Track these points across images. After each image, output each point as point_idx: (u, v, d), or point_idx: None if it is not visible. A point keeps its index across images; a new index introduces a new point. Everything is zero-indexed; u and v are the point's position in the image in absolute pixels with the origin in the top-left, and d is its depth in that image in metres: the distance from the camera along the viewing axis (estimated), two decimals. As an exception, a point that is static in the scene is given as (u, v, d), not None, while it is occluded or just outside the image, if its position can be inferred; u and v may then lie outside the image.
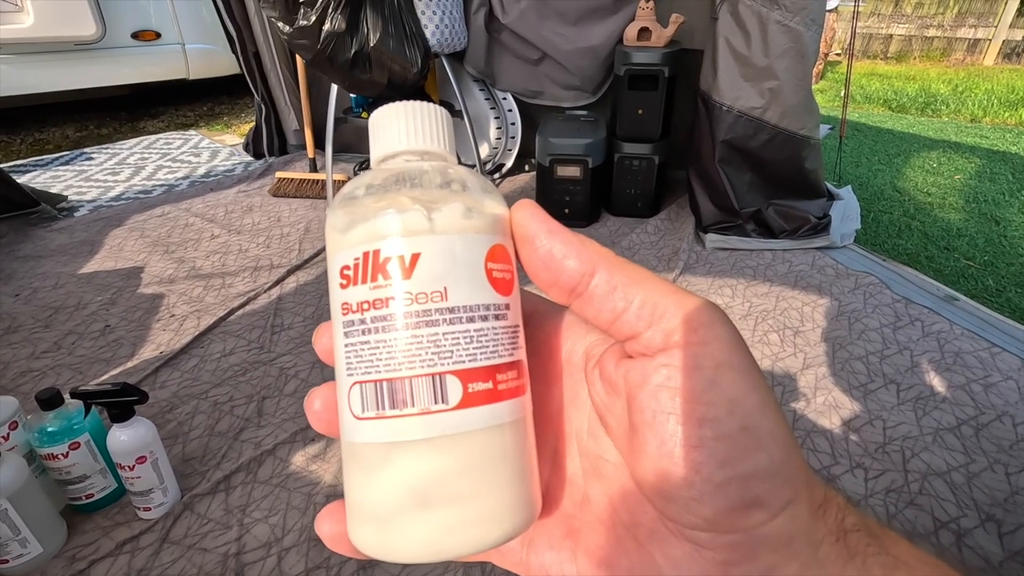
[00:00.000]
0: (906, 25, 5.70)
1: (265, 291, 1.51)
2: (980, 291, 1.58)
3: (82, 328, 1.36)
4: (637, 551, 0.18)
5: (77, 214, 2.02)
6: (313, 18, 1.57)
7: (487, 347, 0.18)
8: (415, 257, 0.17)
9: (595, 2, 1.88)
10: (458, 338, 0.17)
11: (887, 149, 2.81)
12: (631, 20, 1.84)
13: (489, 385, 0.17)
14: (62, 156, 2.66)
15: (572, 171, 1.82)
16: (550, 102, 2.14)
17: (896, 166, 2.57)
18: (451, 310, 0.17)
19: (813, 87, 4.39)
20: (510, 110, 2.22)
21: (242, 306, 1.44)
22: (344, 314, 0.18)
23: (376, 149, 0.20)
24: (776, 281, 1.56)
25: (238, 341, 1.31)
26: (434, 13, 1.75)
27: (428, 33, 1.74)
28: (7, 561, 0.77)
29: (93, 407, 0.85)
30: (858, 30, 5.87)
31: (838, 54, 5.95)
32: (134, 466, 0.82)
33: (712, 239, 1.74)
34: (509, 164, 2.27)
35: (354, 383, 0.17)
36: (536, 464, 0.19)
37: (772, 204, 1.74)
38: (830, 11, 4.13)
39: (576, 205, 1.88)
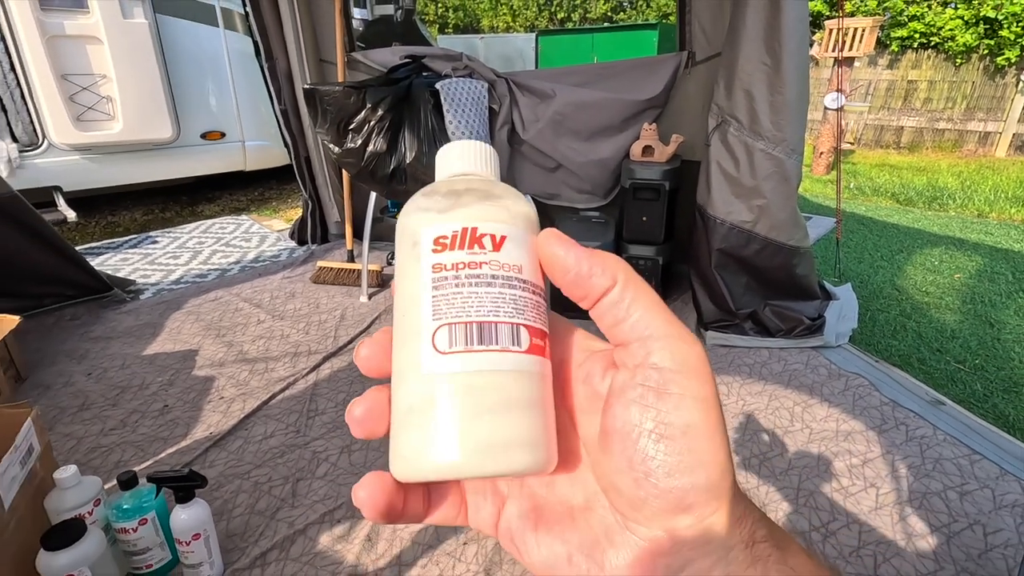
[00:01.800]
0: (916, 118, 5.95)
1: (303, 376, 1.69)
2: (967, 395, 1.66)
3: (144, 407, 1.55)
4: (587, 531, 0.22)
5: (143, 297, 2.27)
6: (359, 141, 1.85)
7: (541, 315, 0.22)
8: (503, 238, 0.22)
9: (604, 123, 2.13)
10: (528, 302, 0.22)
11: (891, 244, 2.93)
12: (637, 138, 2.08)
13: (541, 341, 0.22)
14: (130, 240, 2.98)
15: (582, 270, 2.00)
16: (565, 203, 2.37)
17: (898, 263, 2.69)
18: (523, 281, 0.22)
19: (825, 178, 4.54)
20: (529, 209, 2.45)
21: (282, 391, 1.61)
22: (436, 271, 0.21)
23: (445, 170, 0.25)
24: (770, 380, 1.68)
25: (277, 424, 1.47)
26: (463, 133, 2.01)
27: (457, 150, 2.00)
28: (80, 622, 0.91)
29: (162, 488, 1.01)
30: (870, 122, 6.14)
31: (850, 143, 6.21)
32: (190, 541, 0.97)
33: (712, 336, 1.88)
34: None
35: (442, 325, 0.21)
36: (554, 420, 0.22)
37: (768, 304, 1.87)
38: (835, 110, 4.39)
39: (586, 300, 2.04)
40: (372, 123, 1.84)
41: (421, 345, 0.21)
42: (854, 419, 1.49)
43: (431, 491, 0.24)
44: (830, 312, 1.92)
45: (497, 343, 0.21)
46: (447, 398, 0.20)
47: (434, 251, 0.22)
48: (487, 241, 0.22)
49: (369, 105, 1.83)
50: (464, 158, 0.25)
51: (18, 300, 1.97)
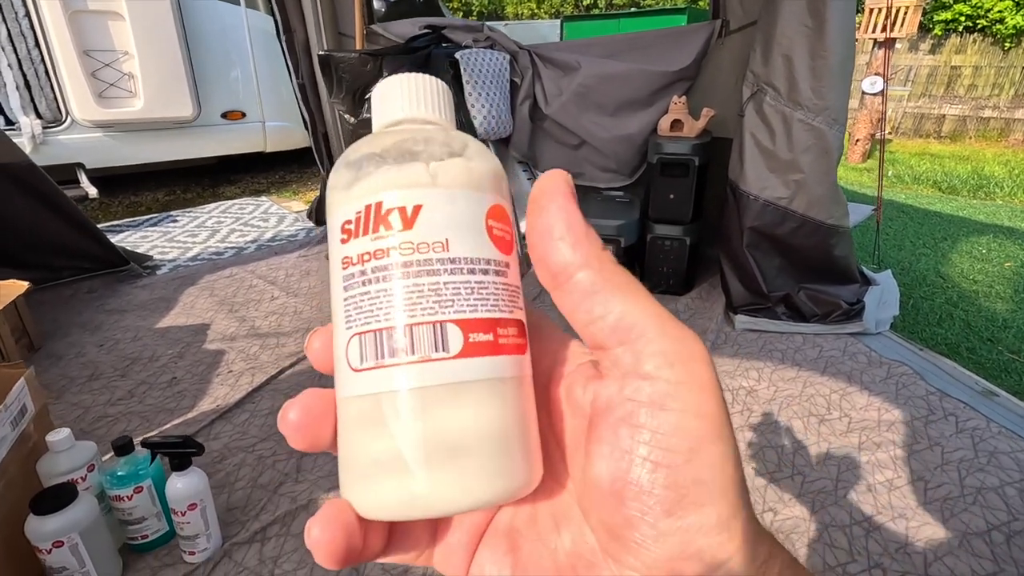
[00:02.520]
0: (959, 106, 5.67)
1: (314, 352, 1.64)
2: (1023, 387, 1.53)
3: (153, 379, 1.52)
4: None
5: (159, 272, 2.26)
6: (376, 112, 1.79)
7: (488, 300, 0.18)
8: (417, 208, 0.17)
9: (631, 96, 2.03)
10: (459, 288, 0.17)
11: (933, 232, 2.77)
12: (665, 112, 1.97)
13: (490, 337, 0.17)
14: (151, 218, 2.99)
15: (605, 249, 1.91)
16: (588, 183, 2.27)
17: (942, 251, 2.53)
18: (452, 260, 0.17)
19: (861, 166, 4.36)
20: (550, 189, 2.36)
21: (292, 366, 1.57)
22: (344, 268, 0.18)
23: (378, 118, 0.20)
24: (804, 366, 1.57)
25: (285, 399, 1.41)
26: (483, 106, 1.94)
27: (477, 123, 1.93)
28: (71, 591, 0.87)
29: (157, 455, 0.97)
30: (909, 110, 5.88)
31: (889, 134, 5.95)
32: (186, 512, 0.92)
33: (741, 320, 1.77)
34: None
35: (353, 335, 0.17)
36: (536, 429, 0.18)
37: (803, 288, 1.76)
38: (874, 95, 4.19)
39: (608, 281, 1.95)
40: (389, 93, 1.77)
41: (339, 363, 0.18)
42: (897, 408, 1.38)
43: (392, 527, 0.20)
44: (869, 297, 1.79)
45: (412, 352, 0.17)
46: (358, 429, 0.17)
47: (342, 241, 0.18)
48: (394, 218, 0.17)
49: (386, 73, 1.77)
50: (397, 99, 0.20)
51: (36, 271, 1.97)
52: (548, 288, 0.18)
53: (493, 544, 0.20)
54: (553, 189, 0.18)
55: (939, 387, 1.46)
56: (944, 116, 5.78)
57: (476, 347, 0.17)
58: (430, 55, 1.88)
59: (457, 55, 1.88)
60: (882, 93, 4.58)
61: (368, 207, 0.17)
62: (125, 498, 0.93)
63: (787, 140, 1.61)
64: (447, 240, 0.17)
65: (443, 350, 0.17)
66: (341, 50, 1.97)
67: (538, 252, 0.18)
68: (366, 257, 0.17)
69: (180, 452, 0.91)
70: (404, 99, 0.20)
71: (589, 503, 0.17)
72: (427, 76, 0.20)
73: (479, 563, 0.20)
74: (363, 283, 0.17)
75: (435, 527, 0.21)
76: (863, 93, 4.34)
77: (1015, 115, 5.45)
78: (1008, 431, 1.29)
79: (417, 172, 0.17)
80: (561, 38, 5.93)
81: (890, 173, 4.11)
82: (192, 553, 0.96)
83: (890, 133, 6.00)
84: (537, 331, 0.21)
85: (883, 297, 1.85)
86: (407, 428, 0.16)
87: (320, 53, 1.78)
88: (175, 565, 0.96)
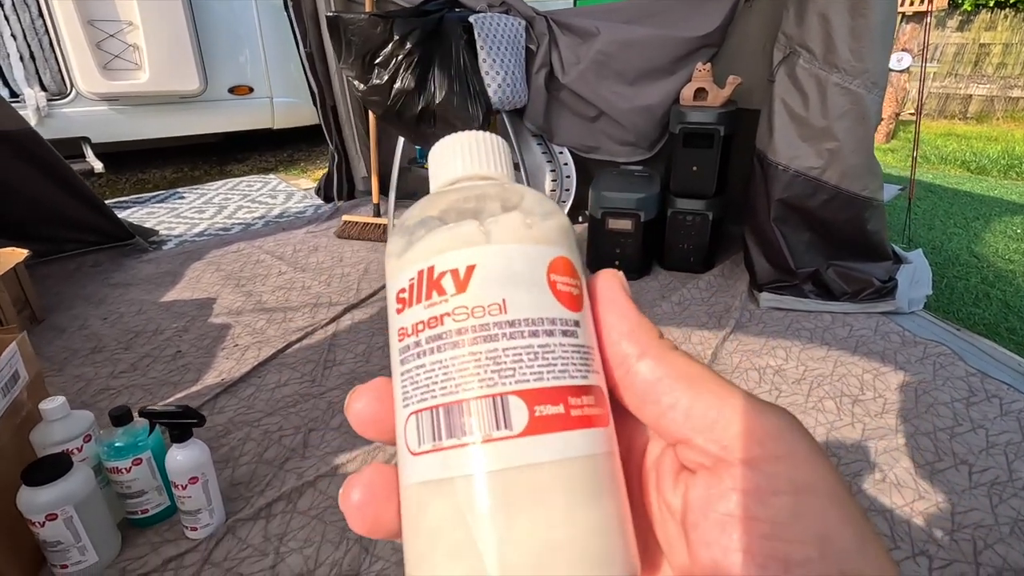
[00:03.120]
0: (987, 86, 5.48)
1: (322, 327, 1.59)
2: (1070, 369, 1.44)
3: (157, 352, 1.47)
4: None
5: (165, 247, 2.21)
6: (386, 77, 1.71)
7: (555, 365, 0.15)
8: (470, 269, 0.16)
9: (653, 64, 1.94)
10: (520, 354, 0.15)
11: (964, 212, 2.66)
12: (688, 81, 1.88)
13: (560, 409, 0.15)
14: (158, 195, 2.94)
15: (624, 224, 1.84)
16: (606, 157, 2.19)
17: (974, 230, 2.43)
18: (511, 323, 0.15)
19: (885, 146, 4.22)
20: (566, 164, 2.28)
21: (299, 340, 1.51)
22: (400, 340, 0.16)
23: (436, 180, 0.20)
24: (835, 345, 1.49)
25: (292, 373, 1.37)
26: (497, 73, 1.85)
27: (491, 92, 1.84)
28: (67, 567, 0.83)
29: (157, 427, 0.92)
30: (934, 90, 5.69)
31: (911, 113, 5.77)
32: (187, 485, 0.88)
33: (767, 298, 1.70)
34: (563, 215, 2.32)
35: (409, 414, 0.16)
36: (628, 513, 0.16)
37: (832, 265, 1.68)
38: (902, 71, 4.04)
39: (627, 258, 1.88)
40: (400, 57, 1.70)
41: (399, 444, 0.16)
42: (936, 390, 1.30)
43: None
44: (902, 276, 1.71)
45: (472, 431, 0.15)
46: (416, 519, 0.15)
47: (397, 311, 0.17)
48: (447, 281, 0.16)
49: (397, 37, 1.69)
50: (452, 158, 0.19)
51: (39, 243, 1.92)
52: (610, 388, 0.17)
53: None
54: (610, 282, 0.18)
55: (980, 368, 1.38)
56: (971, 96, 5.58)
57: (544, 422, 0.15)
58: (443, 19, 1.80)
59: (471, 19, 1.80)
60: (908, 71, 4.43)
61: (421, 272, 0.16)
62: (123, 470, 0.89)
63: (821, 106, 1.51)
64: (504, 301, 0.16)
65: (506, 427, 0.15)
66: (350, 11, 1.89)
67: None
68: (420, 327, 0.16)
69: (180, 423, 0.86)
70: (459, 157, 0.19)
71: None
72: (483, 132, 0.20)
73: None
74: (418, 355, 0.16)
75: None
76: (889, 70, 4.18)
77: (1046, 95, 5.25)
78: (1057, 414, 1.21)
79: (469, 231, 0.16)
80: (575, 3, 5.80)
81: (915, 154, 3.97)
82: (194, 528, 0.91)
83: (912, 113, 5.81)
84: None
85: (915, 276, 1.76)
86: (465, 521, 0.14)
87: (328, 15, 1.70)
88: (176, 541, 0.91)
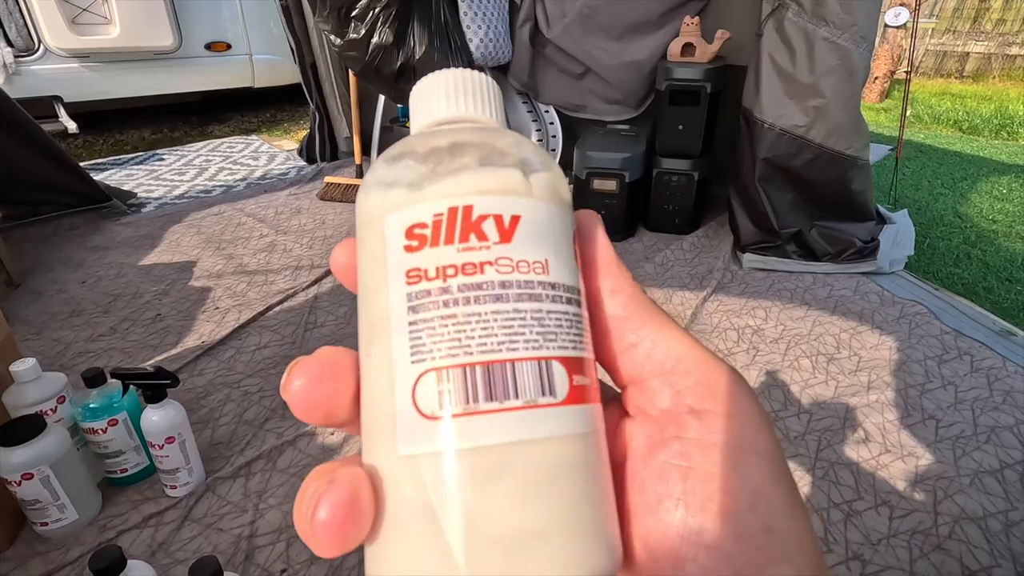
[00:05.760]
0: (985, 43, 5.37)
1: (303, 289, 1.58)
2: (1042, 327, 1.47)
3: (136, 315, 1.46)
4: None
5: (144, 210, 2.17)
6: (363, 31, 1.65)
7: (582, 336, 0.15)
8: (515, 219, 0.15)
9: (640, 17, 1.88)
10: (560, 320, 0.14)
11: (952, 172, 2.65)
12: (676, 36, 1.83)
13: (587, 381, 0.15)
14: (137, 156, 2.87)
15: (608, 185, 1.82)
16: (592, 116, 2.15)
17: (961, 191, 2.42)
18: (553, 286, 0.15)
19: (877, 105, 4.16)
20: (552, 123, 2.24)
21: (280, 303, 1.51)
22: (412, 283, 0.14)
23: (420, 117, 0.18)
24: (814, 305, 1.51)
25: (273, 335, 1.37)
26: (479, 28, 1.80)
27: (473, 47, 1.79)
28: (46, 524, 0.84)
29: (132, 388, 0.92)
30: (931, 47, 5.58)
31: (907, 71, 5.67)
32: (163, 445, 0.88)
33: (749, 259, 1.70)
34: (549, 176, 2.29)
35: (427, 370, 0.14)
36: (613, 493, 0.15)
37: (815, 225, 1.67)
38: (898, 27, 3.95)
39: (612, 219, 1.87)
40: (377, 10, 1.63)
41: (394, 406, 0.14)
42: (910, 348, 1.32)
43: None
44: (885, 236, 1.71)
45: (517, 395, 0.13)
46: (443, 501, 0.13)
47: (407, 249, 0.14)
48: (489, 227, 0.14)
49: (372, -12, 1.62)
50: (451, 96, 0.17)
51: (14, 206, 1.89)
52: None
53: None
54: (593, 221, 0.17)
55: (954, 327, 1.40)
56: (968, 54, 5.48)
57: (577, 393, 0.14)
58: (421, -31, 1.72)
59: (451, -31, 1.73)
60: (905, 26, 4.33)
61: (453, 210, 0.14)
62: (99, 431, 0.89)
63: (808, 61, 1.48)
64: (547, 261, 0.15)
65: (551, 394, 0.14)
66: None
67: None
68: (450, 271, 0.14)
69: (152, 384, 0.86)
70: (461, 94, 0.17)
71: (639, 567, 0.14)
72: (476, 72, 0.18)
73: None
74: (444, 303, 0.14)
75: None
76: (885, 26, 4.09)
77: (1044, 53, 5.17)
78: (1025, 370, 1.24)
79: (514, 178, 0.15)
80: None
81: (909, 113, 3.92)
82: (173, 487, 0.92)
83: (907, 71, 5.71)
84: None
85: (898, 236, 1.76)
86: (505, 496, 0.13)
87: (300, -37, 1.63)
88: (156, 499, 0.93)
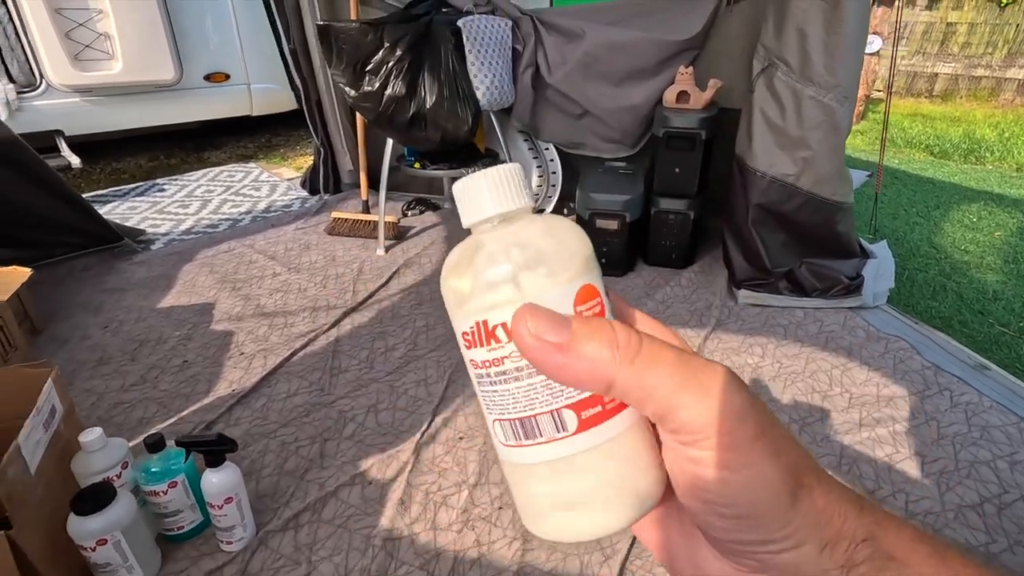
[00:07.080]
0: (952, 64, 5.64)
1: (324, 332, 1.64)
2: (1012, 360, 1.60)
3: (163, 363, 1.51)
4: (689, 547, 0.23)
5: (154, 247, 2.21)
6: (377, 84, 1.73)
7: None
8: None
9: (637, 65, 1.98)
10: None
11: (926, 200, 2.81)
12: (671, 82, 1.94)
13: (598, 408, 0.20)
14: (137, 187, 2.89)
15: (611, 224, 1.92)
16: (591, 153, 2.25)
17: (934, 220, 2.57)
18: None
19: (853, 127, 4.33)
20: (552, 159, 2.34)
21: (303, 347, 1.57)
22: (473, 368, 0.22)
23: (467, 216, 0.23)
24: (807, 341, 1.62)
25: (301, 382, 1.44)
26: (485, 76, 1.88)
27: (479, 94, 1.88)
28: (115, 584, 0.90)
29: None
30: (902, 68, 5.83)
31: (879, 91, 5.91)
32: (222, 505, 0.95)
33: (744, 295, 1.81)
34: (549, 210, 2.38)
35: (494, 420, 0.22)
36: (651, 457, 0.21)
37: (804, 263, 1.79)
38: (872, 55, 4.14)
39: (613, 256, 1.97)
40: (391, 64, 1.71)
41: (490, 432, 0.23)
42: (896, 384, 1.44)
43: None
44: (867, 271, 1.84)
45: (541, 435, 0.21)
46: (518, 486, 0.23)
47: (466, 346, 0.22)
48: (500, 333, 0.20)
49: (387, 44, 1.70)
50: (491, 197, 0.22)
51: (28, 249, 1.92)
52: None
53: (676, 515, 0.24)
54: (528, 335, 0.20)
55: (934, 361, 1.52)
56: (936, 75, 5.74)
57: (588, 421, 0.20)
58: (431, 22, 1.81)
59: (460, 23, 1.81)
60: (878, 53, 4.53)
61: (478, 324, 0.21)
62: (160, 493, 0.95)
63: (797, 116, 1.60)
64: None
65: (563, 431, 0.20)
66: (340, 20, 1.88)
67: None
68: (487, 364, 0.21)
69: (215, 450, 0.92)
70: (496, 194, 0.22)
71: (687, 505, 0.20)
72: (504, 167, 0.22)
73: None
74: (490, 383, 0.21)
75: None
76: (860, 53, 4.27)
77: (1006, 74, 5.44)
78: (999, 405, 1.36)
79: (506, 293, 0.20)
80: (551, 3, 5.71)
81: (884, 141, 4.11)
82: (229, 543, 0.99)
83: (880, 91, 5.95)
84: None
85: (879, 270, 1.89)
86: (546, 488, 0.22)
87: (319, 23, 1.70)
88: (213, 554, 0.99)
